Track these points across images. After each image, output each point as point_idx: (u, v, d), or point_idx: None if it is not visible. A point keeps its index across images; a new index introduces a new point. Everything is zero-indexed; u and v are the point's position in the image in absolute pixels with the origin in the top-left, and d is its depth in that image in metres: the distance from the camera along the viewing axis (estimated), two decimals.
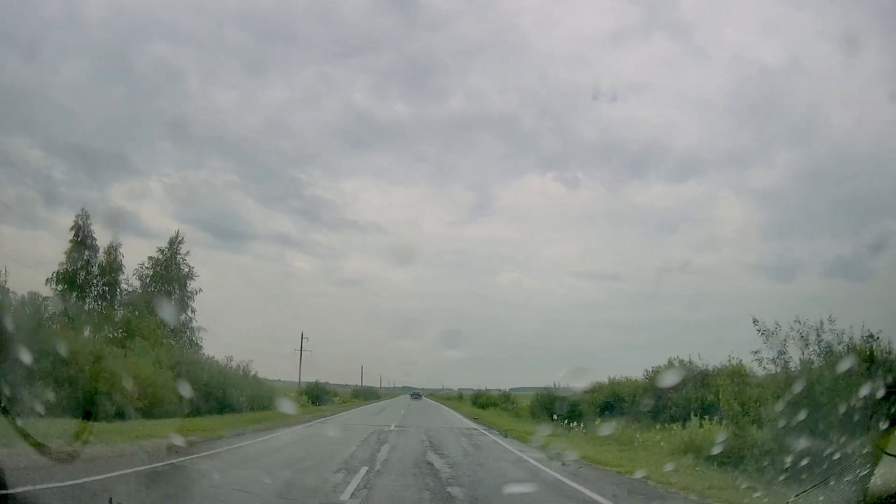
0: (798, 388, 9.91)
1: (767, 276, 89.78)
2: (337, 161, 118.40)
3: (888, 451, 3.50)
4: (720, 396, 12.91)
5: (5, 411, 9.49)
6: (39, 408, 11.08)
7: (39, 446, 8.59)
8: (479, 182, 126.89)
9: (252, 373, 31.16)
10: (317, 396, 44.28)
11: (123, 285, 31.16)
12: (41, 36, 67.32)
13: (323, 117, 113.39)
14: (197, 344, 33.37)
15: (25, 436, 8.65)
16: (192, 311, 34.32)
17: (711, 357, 19.39)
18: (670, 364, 21.38)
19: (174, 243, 34.32)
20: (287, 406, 29.21)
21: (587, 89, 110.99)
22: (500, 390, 56.86)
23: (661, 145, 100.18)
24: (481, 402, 51.21)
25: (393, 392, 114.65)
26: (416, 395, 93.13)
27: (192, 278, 34.40)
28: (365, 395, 78.09)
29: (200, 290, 34.77)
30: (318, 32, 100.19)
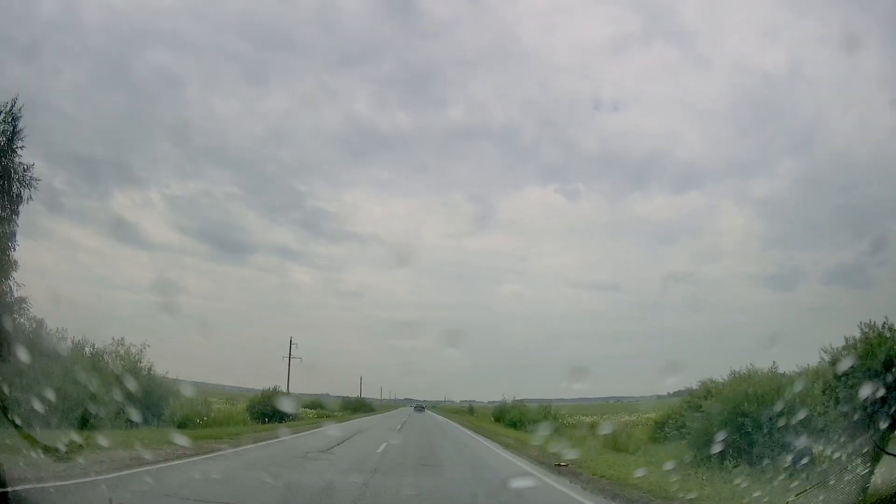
0: None
1: (769, 285, 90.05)
2: (337, 172, 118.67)
3: (888, 451, 3.49)
4: None
5: None
6: None
7: None
8: (480, 193, 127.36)
9: (147, 366, 20.53)
10: (265, 413, 29.41)
11: None
12: (40, 41, 67.32)
13: (323, 127, 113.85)
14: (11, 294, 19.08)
15: None
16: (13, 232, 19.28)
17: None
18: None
19: (8, 115, 19.55)
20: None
21: (588, 99, 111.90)
22: (534, 401, 52.35)
23: (663, 155, 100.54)
24: (511, 419, 35.71)
25: (393, 404, 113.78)
26: (419, 407, 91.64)
27: (30, 186, 19.47)
28: (355, 407, 67.88)
29: (31, 198, 19.70)
30: (318, 41, 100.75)
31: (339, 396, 73.99)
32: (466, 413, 68.21)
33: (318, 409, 51.36)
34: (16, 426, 9.95)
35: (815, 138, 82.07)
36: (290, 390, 52.91)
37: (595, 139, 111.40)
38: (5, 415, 10.57)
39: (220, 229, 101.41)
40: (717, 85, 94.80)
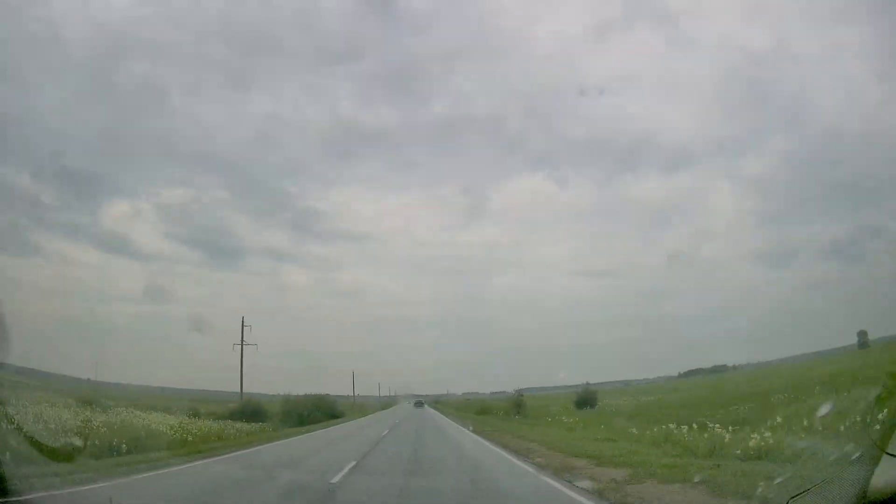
0: None
1: (763, 264, 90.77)
2: (326, 171, 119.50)
3: (888, 451, 3.43)
4: None
5: None
6: None
7: None
8: (470, 185, 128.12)
9: None
10: None
11: None
12: (23, 59, 67.35)
13: (310, 127, 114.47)
14: None
15: None
16: None
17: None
18: None
19: None
20: None
21: (573, 86, 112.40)
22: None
23: (652, 137, 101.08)
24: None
25: (390, 401, 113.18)
26: (419, 402, 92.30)
27: None
28: (302, 416, 38.01)
29: None
30: (299, 41, 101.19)
31: (339, 396, 72.16)
32: (509, 414, 36.57)
33: (251, 420, 30.91)
34: None
35: (803, 114, 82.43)
36: (286, 393, 42.07)
37: (582, 125, 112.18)
38: None
39: (212, 235, 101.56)
40: (703, 65, 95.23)
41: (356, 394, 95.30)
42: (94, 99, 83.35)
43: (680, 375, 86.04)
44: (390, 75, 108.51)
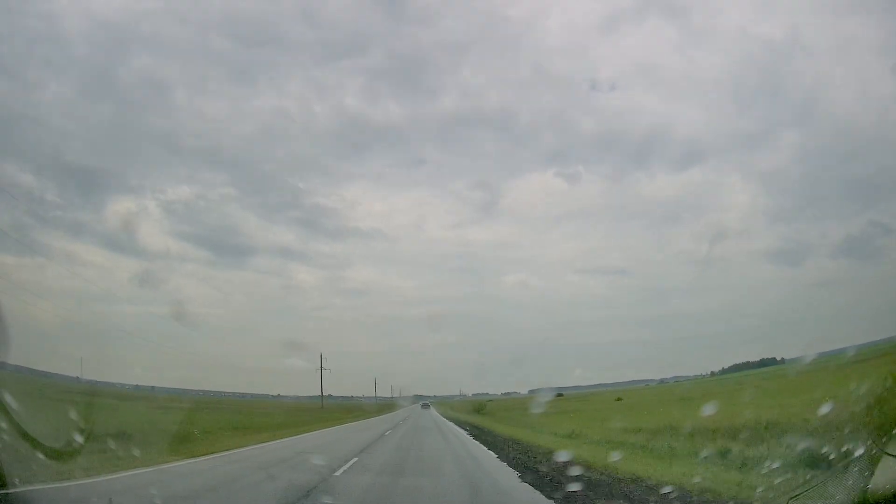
0: None
1: (776, 262, 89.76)
2: (335, 167, 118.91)
3: (888, 451, 3.44)
4: None
5: None
6: None
7: None
8: (481, 182, 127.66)
9: None
10: None
11: None
12: (23, 55, 66.50)
13: (317, 122, 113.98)
14: None
15: None
16: None
17: None
18: None
19: None
20: None
21: (584, 79, 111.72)
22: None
23: (664, 132, 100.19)
24: None
25: (390, 403, 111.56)
26: (425, 404, 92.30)
27: None
28: None
29: None
30: (304, 35, 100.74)
31: (342, 397, 70.27)
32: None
33: None
34: None
35: (816, 108, 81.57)
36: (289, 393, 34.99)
37: (593, 120, 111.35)
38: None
39: (219, 233, 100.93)
40: (715, 58, 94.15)
41: (361, 395, 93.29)
42: (97, 96, 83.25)
43: (723, 371, 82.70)
44: (398, 69, 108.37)
